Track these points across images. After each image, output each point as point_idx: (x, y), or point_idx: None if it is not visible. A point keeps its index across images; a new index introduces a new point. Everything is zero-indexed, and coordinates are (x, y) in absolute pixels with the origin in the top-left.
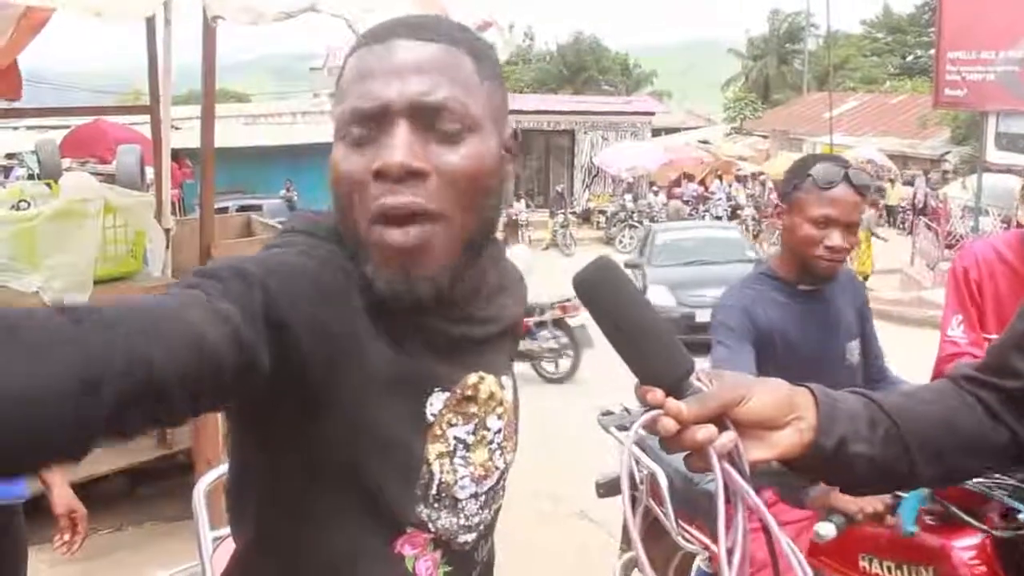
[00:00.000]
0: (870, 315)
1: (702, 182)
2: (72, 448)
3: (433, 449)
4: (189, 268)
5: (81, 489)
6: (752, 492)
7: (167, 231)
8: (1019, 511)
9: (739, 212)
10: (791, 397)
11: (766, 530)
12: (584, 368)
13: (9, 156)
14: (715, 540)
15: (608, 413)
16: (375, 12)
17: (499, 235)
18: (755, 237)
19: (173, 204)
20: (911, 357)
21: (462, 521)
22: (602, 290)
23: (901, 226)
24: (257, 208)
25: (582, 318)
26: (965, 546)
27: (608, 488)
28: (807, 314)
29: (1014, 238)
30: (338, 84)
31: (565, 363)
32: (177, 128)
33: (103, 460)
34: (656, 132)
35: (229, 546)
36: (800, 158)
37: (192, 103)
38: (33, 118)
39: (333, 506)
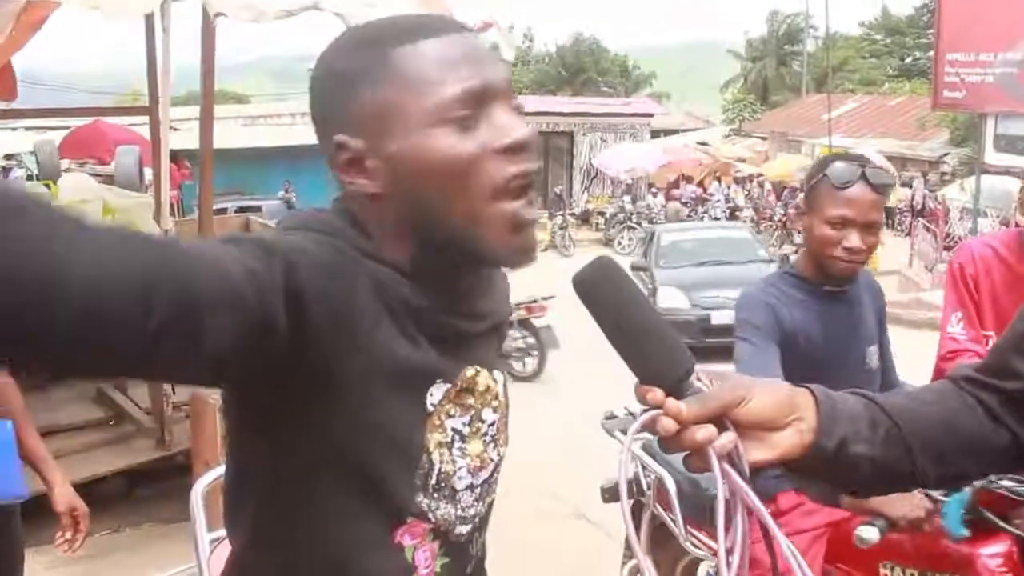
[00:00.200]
0: (886, 322)
1: (700, 184)
2: (124, 350)
3: (432, 438)
4: None
5: (79, 490)
6: (751, 492)
7: (166, 232)
8: None
9: (737, 213)
10: (791, 398)
11: (766, 532)
12: (551, 368)
13: (8, 157)
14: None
15: (612, 417)
16: (376, 7)
17: None
18: None
19: (172, 205)
20: (910, 358)
21: (459, 512)
22: (602, 289)
23: (899, 228)
24: (256, 209)
25: (548, 319)
26: (992, 553)
27: (613, 493)
28: (831, 316)
29: (1011, 236)
30: (394, 82)
31: (532, 362)
32: (176, 129)
33: (101, 461)
34: (655, 134)
35: (226, 548)
36: (820, 157)
37: (191, 104)
38: (32, 119)
39: (334, 498)
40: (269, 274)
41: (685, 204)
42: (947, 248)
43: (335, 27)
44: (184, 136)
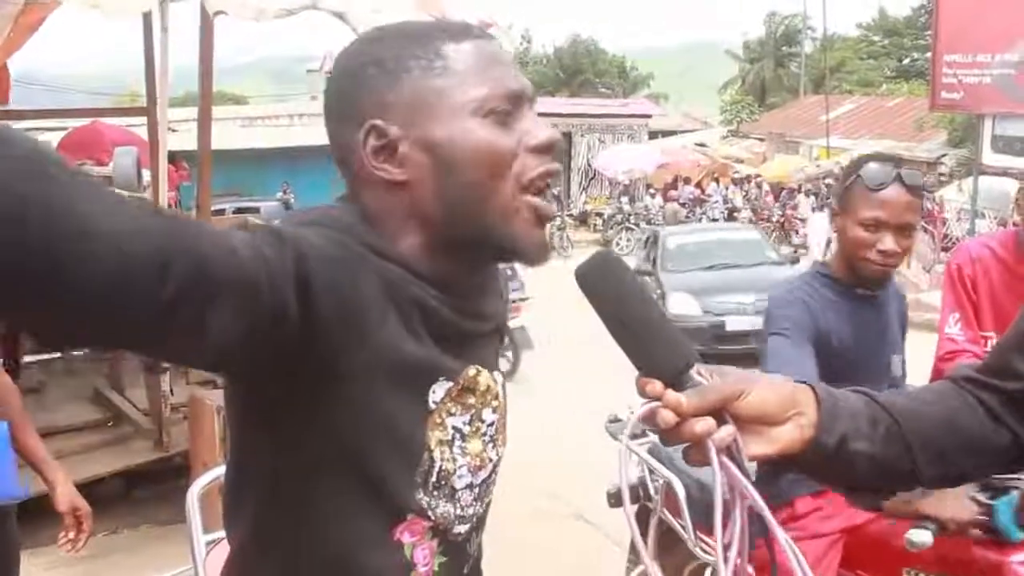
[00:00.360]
0: (907, 332)
1: (698, 185)
2: (138, 314)
3: (433, 436)
4: None
5: (77, 491)
6: (750, 486)
7: None
8: None
9: (735, 214)
10: (792, 393)
11: (766, 529)
12: (524, 368)
13: None
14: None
15: (616, 420)
16: (376, 8)
17: None
18: None
19: (170, 206)
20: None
21: (458, 511)
22: (604, 282)
23: None
24: (254, 210)
25: (521, 320)
26: (1023, 560)
27: (619, 498)
28: (860, 319)
29: (1008, 237)
30: (445, 72)
31: (504, 364)
32: (174, 130)
33: (99, 462)
34: (653, 135)
35: (223, 550)
36: (854, 158)
37: (189, 105)
38: (30, 120)
39: (335, 496)
40: (280, 261)
41: (683, 205)
42: (945, 249)
43: (334, 29)
44: (182, 137)
